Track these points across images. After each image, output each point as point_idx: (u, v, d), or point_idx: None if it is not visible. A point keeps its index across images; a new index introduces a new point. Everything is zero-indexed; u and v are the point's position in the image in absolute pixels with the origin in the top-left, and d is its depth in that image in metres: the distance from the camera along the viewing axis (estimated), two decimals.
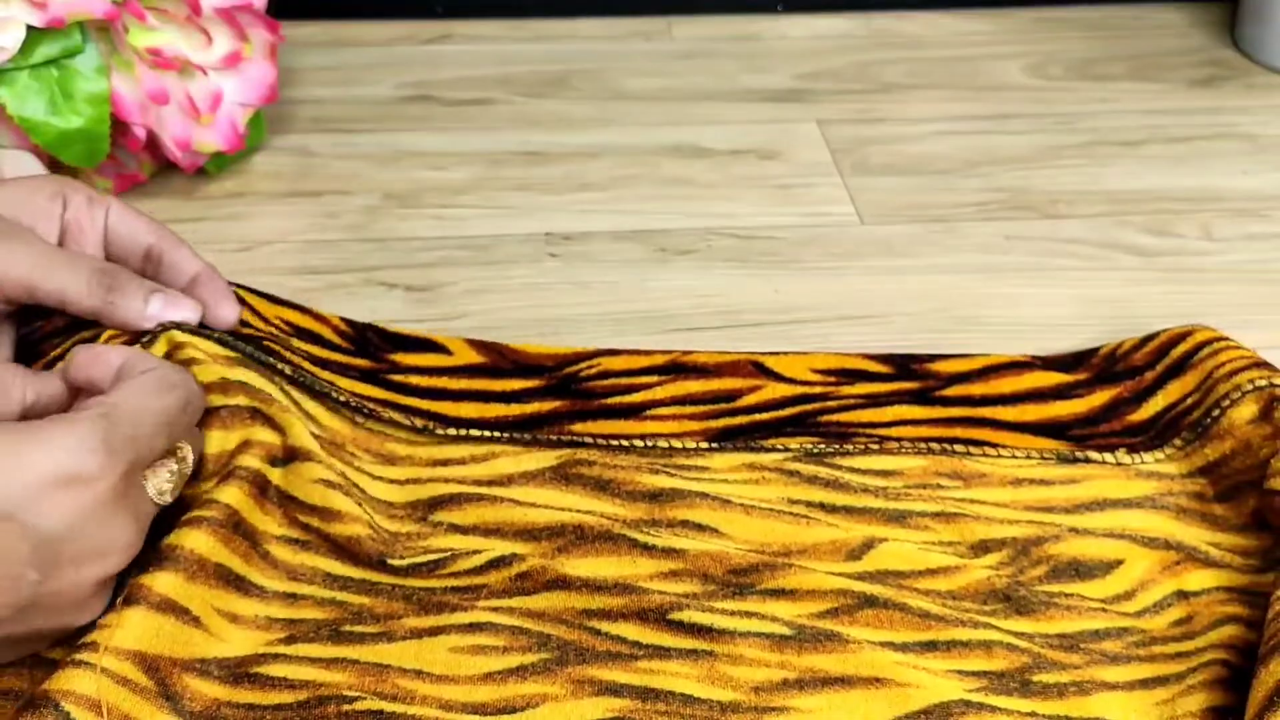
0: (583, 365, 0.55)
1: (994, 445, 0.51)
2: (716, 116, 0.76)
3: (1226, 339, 0.54)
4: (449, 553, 0.46)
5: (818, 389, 0.54)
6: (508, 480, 0.49)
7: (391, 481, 0.49)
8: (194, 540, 0.43)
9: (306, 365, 0.51)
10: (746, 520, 0.47)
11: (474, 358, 0.55)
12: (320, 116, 0.75)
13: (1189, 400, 0.52)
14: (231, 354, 0.48)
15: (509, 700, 0.41)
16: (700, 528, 0.47)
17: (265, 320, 0.53)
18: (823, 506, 0.48)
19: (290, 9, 0.71)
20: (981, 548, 0.47)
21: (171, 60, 0.63)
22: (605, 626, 0.43)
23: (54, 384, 0.45)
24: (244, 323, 0.51)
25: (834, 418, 0.53)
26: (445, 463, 0.50)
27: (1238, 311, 0.62)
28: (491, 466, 0.49)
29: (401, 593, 0.45)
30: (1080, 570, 0.47)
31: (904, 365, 0.56)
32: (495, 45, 0.83)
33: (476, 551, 0.46)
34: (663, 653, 0.42)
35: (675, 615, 0.43)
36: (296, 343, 0.53)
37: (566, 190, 0.69)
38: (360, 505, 0.46)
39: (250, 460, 0.45)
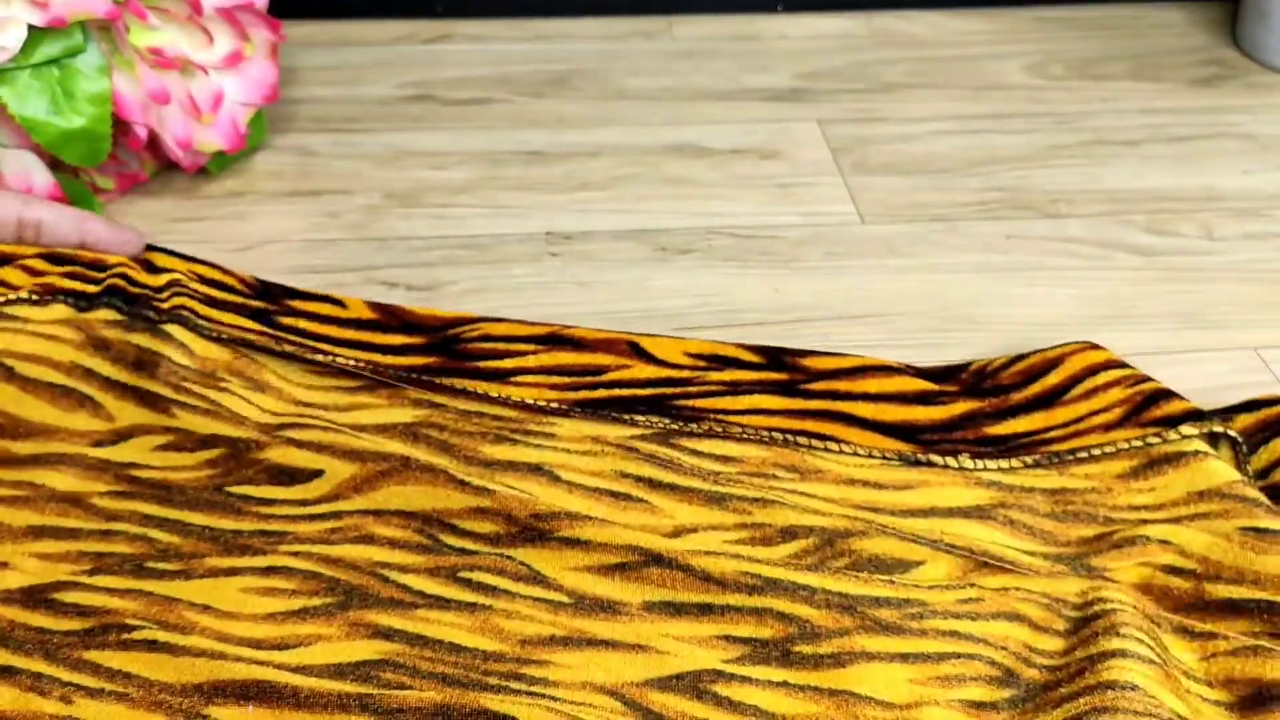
0: (465, 328, 0.57)
1: (838, 440, 0.52)
2: (716, 116, 0.76)
3: (1105, 367, 0.54)
4: (283, 477, 0.49)
5: (684, 373, 0.55)
6: (360, 428, 0.51)
7: (254, 405, 0.52)
8: (13, 517, 0.47)
9: (194, 305, 0.55)
10: (567, 496, 0.49)
11: (365, 314, 0.58)
12: (321, 116, 0.75)
13: (1053, 433, 0.52)
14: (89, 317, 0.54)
15: (284, 638, 0.43)
16: (519, 489, 0.49)
17: (171, 272, 0.57)
18: (650, 483, 0.49)
19: (291, 8, 0.71)
20: (789, 533, 0.48)
21: (173, 60, 0.63)
22: (395, 576, 0.46)
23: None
24: (150, 266, 0.57)
25: (690, 403, 0.54)
26: (309, 405, 0.53)
27: (1238, 311, 0.62)
28: (351, 415, 0.52)
29: (210, 534, 0.47)
30: (879, 565, 0.47)
31: (776, 357, 0.56)
32: (496, 45, 0.83)
33: (311, 474, 0.49)
34: (442, 603, 0.45)
35: (465, 574, 0.46)
36: (197, 285, 0.57)
37: (566, 190, 0.69)
38: (193, 451, 0.50)
39: (71, 448, 0.50)
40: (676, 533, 0.48)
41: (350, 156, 0.71)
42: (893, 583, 0.46)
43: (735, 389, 0.54)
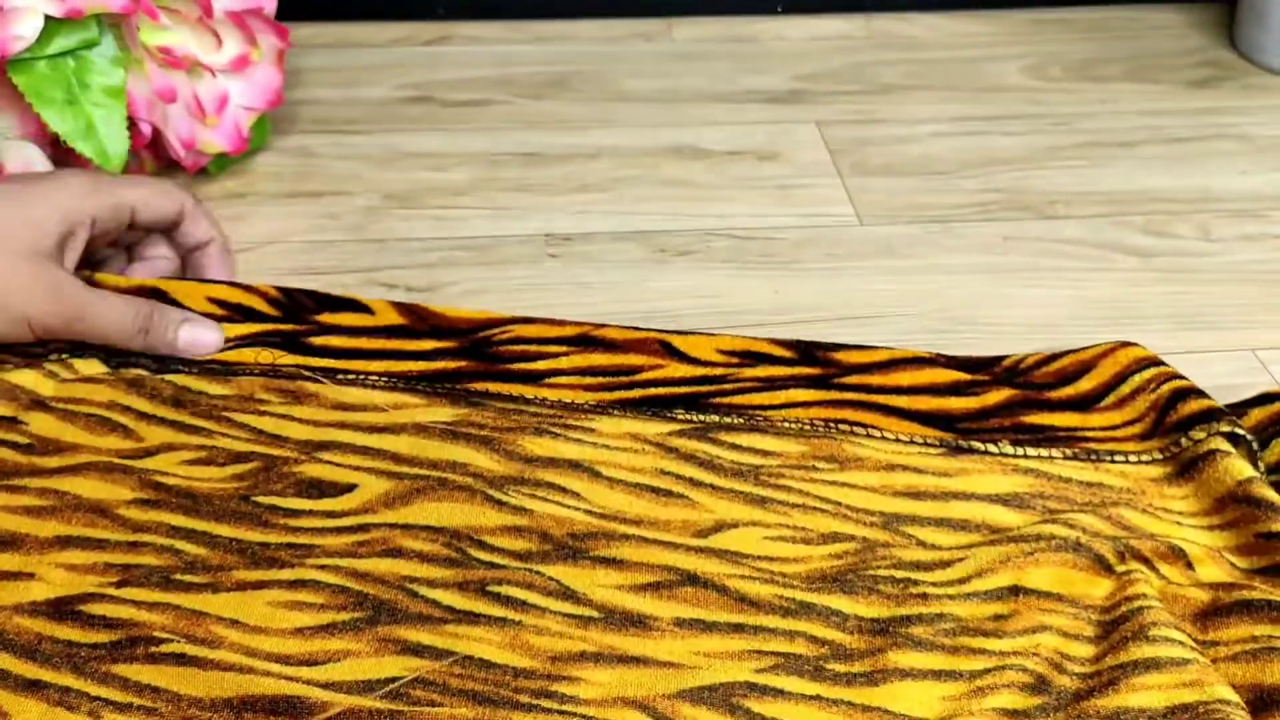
0: (496, 330, 0.57)
1: (877, 428, 0.52)
2: (715, 118, 0.77)
3: (1135, 369, 0.54)
4: (312, 491, 0.49)
5: (719, 370, 0.55)
6: (399, 429, 0.51)
7: (294, 420, 0.52)
8: (40, 528, 0.47)
9: (224, 356, 0.55)
10: (609, 492, 0.49)
11: (394, 318, 0.58)
12: (321, 117, 0.75)
13: (1089, 433, 0.52)
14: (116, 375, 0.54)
15: (313, 654, 0.43)
16: (563, 490, 0.49)
17: (189, 309, 0.57)
18: (691, 481, 0.50)
19: (292, 10, 0.71)
20: (831, 538, 0.48)
21: (181, 60, 0.63)
22: (424, 591, 0.45)
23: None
24: (168, 300, 0.57)
25: (727, 400, 0.54)
26: (350, 409, 0.53)
27: (1235, 311, 0.62)
28: (390, 416, 0.52)
29: (237, 546, 0.47)
30: (921, 566, 0.47)
31: (807, 351, 0.56)
32: (495, 46, 0.83)
33: (343, 489, 0.49)
34: (472, 618, 0.45)
35: (494, 588, 0.45)
36: (225, 328, 0.56)
37: (566, 191, 0.70)
38: (224, 465, 0.50)
39: (98, 457, 0.50)
40: (717, 527, 0.48)
41: (350, 158, 0.72)
42: (925, 598, 0.46)
43: (770, 384, 0.55)
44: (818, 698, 0.43)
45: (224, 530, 0.47)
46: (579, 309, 0.61)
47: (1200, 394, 0.53)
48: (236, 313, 0.57)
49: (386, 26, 0.84)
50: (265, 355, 0.55)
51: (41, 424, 0.51)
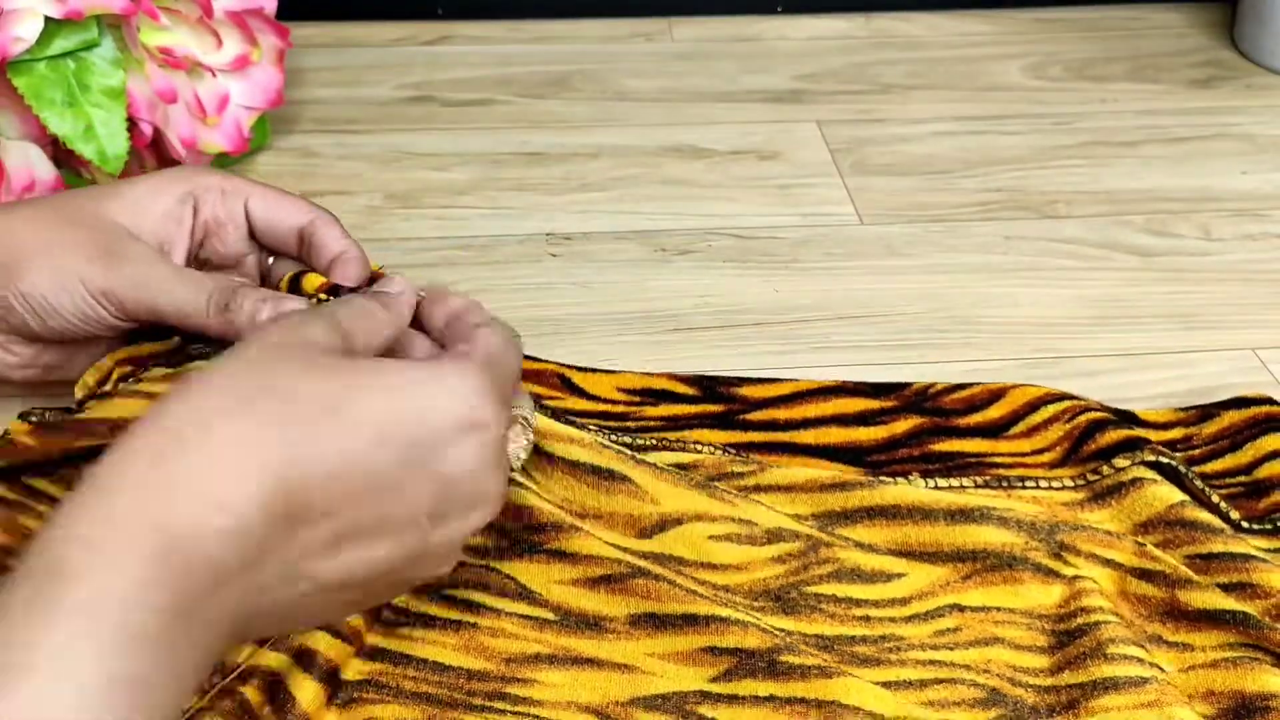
0: None
1: (788, 468, 0.51)
2: (716, 117, 0.77)
3: (1045, 401, 0.53)
4: None
5: (619, 408, 0.54)
6: None
7: None
8: None
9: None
10: (555, 476, 0.48)
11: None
12: (322, 117, 0.75)
13: (999, 458, 0.52)
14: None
15: (276, 641, 0.42)
16: (515, 483, 0.48)
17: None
18: (631, 480, 0.48)
19: (293, 10, 0.71)
20: (775, 535, 0.48)
21: (182, 60, 0.63)
22: None
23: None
24: None
25: (629, 438, 0.52)
26: None
27: (1235, 311, 0.62)
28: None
29: None
30: (860, 575, 0.47)
31: (710, 388, 0.55)
32: (496, 46, 0.83)
33: None
34: (427, 621, 0.45)
35: (450, 591, 0.46)
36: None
37: (567, 190, 0.70)
38: None
39: None
40: (662, 524, 0.48)
41: (351, 157, 0.72)
42: (868, 620, 0.46)
43: (674, 424, 0.54)
44: (771, 698, 0.43)
45: None
46: (579, 308, 0.61)
47: (1121, 424, 0.52)
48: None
49: (387, 26, 0.84)
50: None
51: (112, 409, 0.49)
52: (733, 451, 0.51)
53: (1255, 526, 0.49)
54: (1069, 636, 0.45)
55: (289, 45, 0.67)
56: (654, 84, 0.80)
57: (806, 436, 0.53)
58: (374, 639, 0.44)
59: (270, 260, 0.53)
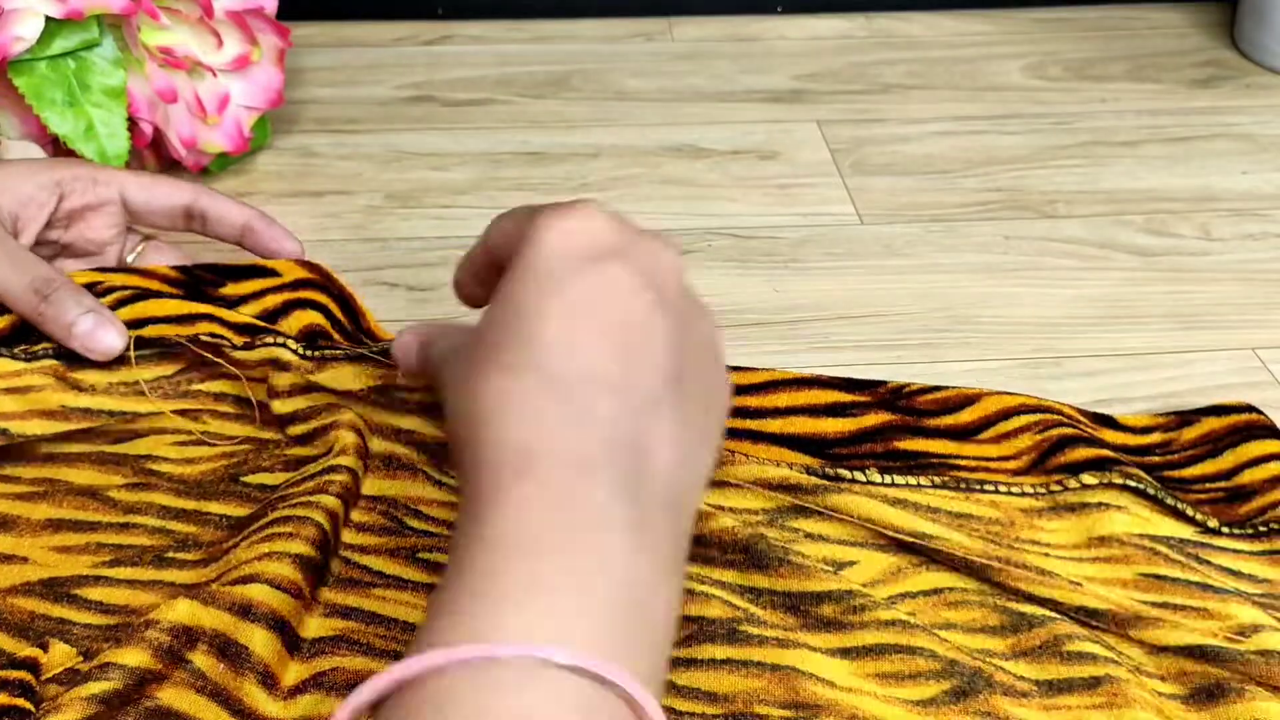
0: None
1: (745, 455, 0.50)
2: (716, 117, 0.77)
3: (1019, 411, 0.53)
4: (295, 472, 0.49)
5: None
6: (360, 399, 0.52)
7: (278, 394, 0.52)
8: (32, 511, 0.48)
9: (124, 312, 0.53)
10: None
11: (301, 274, 0.56)
12: (322, 117, 0.75)
13: (961, 462, 0.51)
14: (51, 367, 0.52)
15: (262, 572, 0.43)
16: None
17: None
18: None
19: (293, 9, 0.71)
20: (729, 511, 0.48)
21: (182, 60, 0.63)
22: (355, 557, 0.47)
23: None
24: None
25: None
26: (275, 364, 0.52)
27: (1235, 311, 0.62)
28: (322, 379, 0.51)
29: (228, 522, 0.48)
30: (819, 562, 0.47)
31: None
32: (496, 46, 0.83)
33: (318, 471, 0.49)
34: (400, 583, 0.46)
35: (424, 555, 0.47)
36: (118, 278, 0.54)
37: (566, 190, 0.70)
38: (216, 444, 0.51)
39: (90, 446, 0.50)
40: None
41: (351, 157, 0.72)
42: (836, 574, 0.46)
43: None
44: (728, 661, 0.43)
45: (214, 508, 0.48)
46: None
47: (1093, 443, 0.51)
48: (137, 296, 0.54)
49: (387, 26, 0.84)
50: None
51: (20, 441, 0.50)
52: None
53: (1236, 531, 0.49)
54: (1025, 621, 0.45)
55: (289, 45, 0.67)
56: (654, 84, 0.80)
57: (772, 425, 0.52)
58: (346, 598, 0.45)
59: (137, 249, 0.57)
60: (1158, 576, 0.47)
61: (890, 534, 0.48)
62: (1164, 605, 0.46)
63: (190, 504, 0.48)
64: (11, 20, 0.58)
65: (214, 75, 0.65)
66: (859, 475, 0.50)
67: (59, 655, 0.42)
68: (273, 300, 0.55)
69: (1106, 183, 0.71)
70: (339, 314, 0.56)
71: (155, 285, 0.55)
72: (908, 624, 0.45)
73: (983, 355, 0.59)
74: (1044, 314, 0.61)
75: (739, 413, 0.53)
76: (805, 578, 0.46)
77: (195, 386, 0.53)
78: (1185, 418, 0.54)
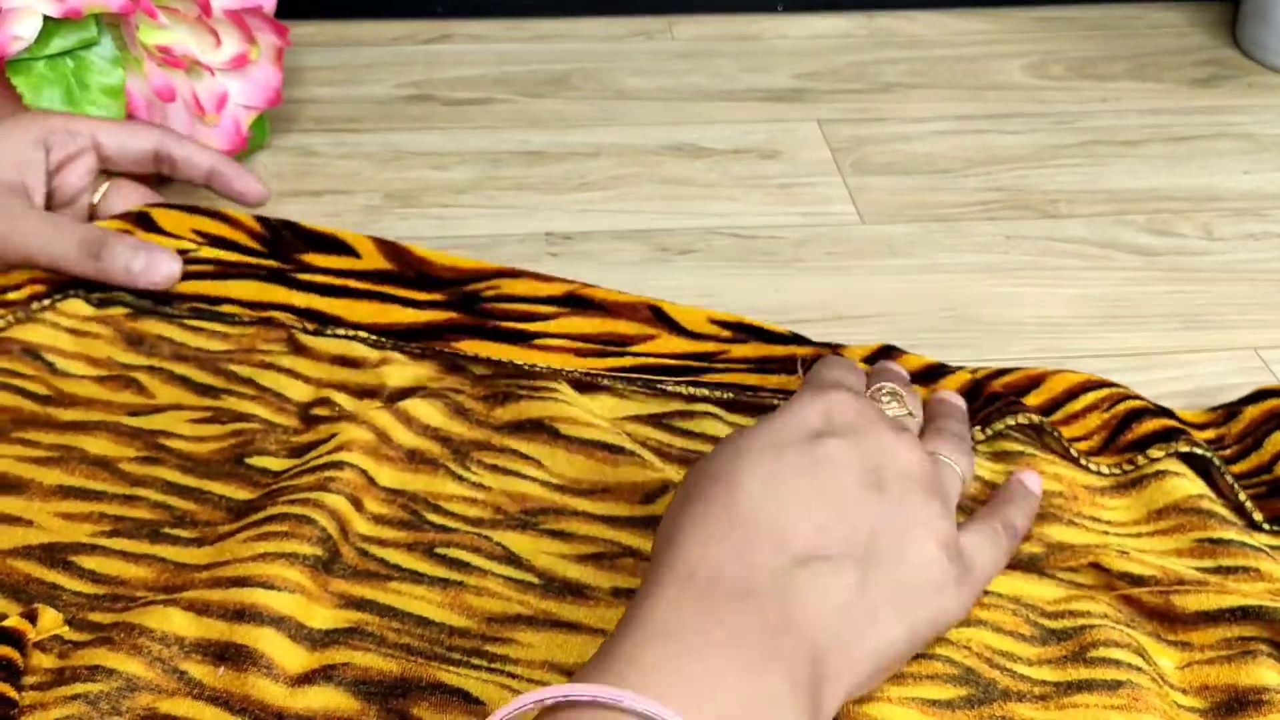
0: (483, 285, 0.58)
1: None
2: (717, 116, 0.76)
3: (1085, 389, 0.53)
4: (298, 459, 0.50)
5: (709, 345, 0.56)
6: (383, 391, 0.53)
7: (296, 376, 0.54)
8: (44, 475, 0.49)
9: (209, 288, 0.56)
10: (568, 458, 0.50)
11: (381, 263, 0.59)
12: (321, 116, 0.75)
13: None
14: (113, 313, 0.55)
15: (270, 578, 0.44)
16: (525, 458, 0.50)
17: (175, 236, 0.58)
18: (638, 455, 0.50)
19: (291, 8, 0.71)
20: None
21: (180, 59, 0.63)
22: (374, 550, 0.47)
23: None
24: (153, 227, 0.58)
25: (718, 378, 0.54)
26: (343, 360, 0.54)
27: (1237, 311, 0.62)
28: (379, 374, 0.54)
29: (226, 503, 0.48)
30: None
31: (798, 335, 0.56)
32: (495, 45, 0.83)
33: (319, 464, 0.49)
34: (415, 577, 0.46)
35: (441, 550, 0.47)
36: (206, 251, 0.58)
37: (566, 190, 0.69)
38: (227, 423, 0.51)
39: (110, 416, 0.51)
40: (665, 487, 0.49)
41: (351, 156, 0.72)
42: None
43: (762, 367, 0.55)
44: None
45: (215, 487, 0.49)
46: None
47: (1158, 413, 0.52)
48: (218, 244, 0.58)
49: (386, 25, 0.84)
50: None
51: (54, 381, 0.53)
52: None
53: (1276, 527, 0.49)
54: (1054, 636, 0.44)
55: (288, 44, 0.67)
56: (654, 83, 0.79)
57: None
58: (361, 590, 0.45)
59: (102, 189, 0.59)
60: (1212, 540, 0.47)
61: None
62: (1216, 569, 0.46)
63: (193, 481, 0.49)
64: (9, 19, 0.58)
65: (212, 74, 0.65)
66: (976, 432, 0.51)
67: (48, 621, 0.43)
68: (353, 284, 0.57)
69: (1108, 182, 0.71)
70: (412, 312, 0.56)
71: (241, 238, 0.59)
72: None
73: (984, 355, 0.58)
74: (1045, 314, 0.61)
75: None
76: None
77: (231, 367, 0.54)
78: (1231, 410, 0.54)
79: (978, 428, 0.51)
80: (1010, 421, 0.51)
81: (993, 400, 0.52)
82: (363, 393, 0.53)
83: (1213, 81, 0.81)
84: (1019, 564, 0.47)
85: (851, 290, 0.63)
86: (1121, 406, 0.52)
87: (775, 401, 0.53)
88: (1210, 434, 0.53)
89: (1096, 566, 0.47)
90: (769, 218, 0.68)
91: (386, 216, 0.67)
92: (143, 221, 0.58)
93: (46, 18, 0.59)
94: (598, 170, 0.71)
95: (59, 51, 0.60)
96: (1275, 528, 0.49)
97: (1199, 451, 0.50)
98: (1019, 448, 0.51)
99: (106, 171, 0.60)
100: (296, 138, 0.73)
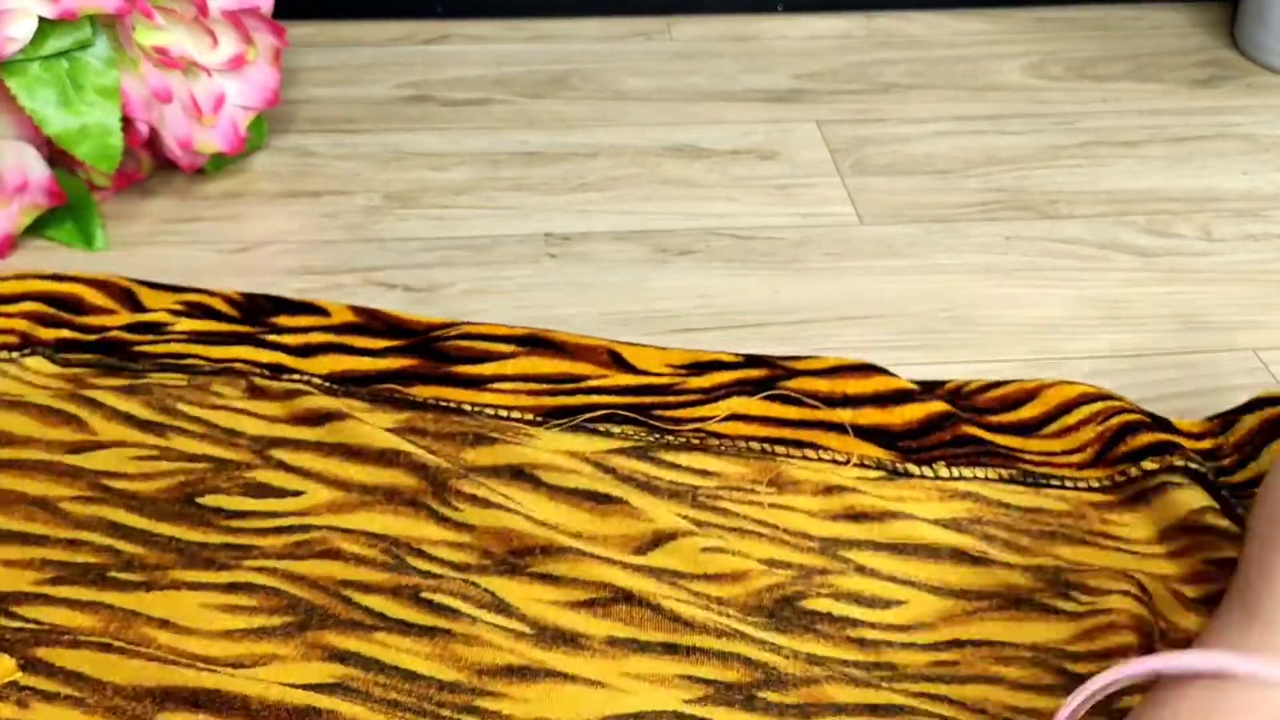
0: (449, 329, 0.57)
1: (815, 447, 0.51)
2: (716, 116, 0.76)
3: (1080, 402, 0.53)
4: (259, 492, 0.49)
5: (663, 379, 0.55)
6: (342, 417, 0.51)
7: (249, 414, 0.52)
8: None
9: (180, 348, 0.55)
10: (549, 504, 0.49)
11: (349, 318, 0.58)
12: (320, 117, 0.75)
13: (1028, 456, 0.51)
14: (65, 372, 0.54)
15: (240, 657, 0.43)
16: (504, 499, 0.48)
17: (156, 311, 0.58)
18: (627, 503, 0.49)
19: (289, 9, 0.71)
20: (769, 564, 0.47)
21: (177, 60, 0.63)
22: (357, 597, 0.45)
23: None
24: (138, 306, 0.58)
25: (669, 413, 0.53)
26: (296, 394, 0.53)
27: (1236, 311, 0.62)
28: (334, 402, 0.52)
29: (176, 545, 0.47)
30: (858, 600, 0.46)
31: (755, 359, 0.56)
32: (494, 45, 0.83)
33: (289, 494, 0.48)
34: (403, 627, 0.44)
35: (427, 595, 0.45)
36: (183, 323, 0.57)
37: (566, 190, 0.69)
38: (174, 461, 0.50)
39: (48, 455, 0.50)
40: (657, 539, 0.47)
41: (349, 157, 0.71)
42: (863, 643, 0.45)
43: (711, 396, 0.54)
44: None
45: (164, 529, 0.47)
46: (577, 309, 0.60)
47: (1154, 426, 0.52)
48: (197, 310, 0.58)
49: (385, 25, 0.84)
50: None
51: None
52: (758, 450, 0.51)
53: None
54: (1077, 680, 0.43)
55: (285, 44, 0.66)
56: (653, 83, 0.79)
57: (844, 415, 0.53)
58: (346, 642, 0.43)
59: None
60: (1217, 562, 0.47)
61: (950, 563, 0.47)
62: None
63: (141, 522, 0.47)
64: (4, 21, 0.58)
65: (209, 75, 0.65)
66: (927, 471, 0.50)
67: (2, 670, 0.41)
68: (317, 338, 0.57)
69: (1107, 183, 0.71)
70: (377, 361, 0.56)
71: (218, 304, 0.58)
72: (940, 696, 0.43)
73: (983, 356, 0.58)
74: (1045, 314, 0.61)
75: (811, 396, 0.53)
76: (832, 644, 0.45)
77: (180, 405, 0.52)
78: (1228, 419, 0.54)
79: (942, 463, 0.51)
80: (980, 475, 0.50)
81: (962, 442, 0.52)
82: (321, 428, 0.51)
83: (1212, 82, 0.81)
84: (1031, 602, 0.46)
85: (851, 290, 0.62)
86: (1116, 420, 0.52)
87: (712, 433, 0.52)
88: (1208, 444, 0.53)
89: (1126, 593, 0.46)
90: (768, 218, 0.68)
91: (385, 217, 0.67)
92: (129, 299, 0.58)
93: (41, 19, 0.58)
94: (597, 171, 0.71)
95: (54, 53, 0.60)
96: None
97: (1194, 466, 0.49)
98: (981, 490, 0.50)
99: None
100: (294, 138, 0.73)
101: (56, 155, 0.62)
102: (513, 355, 0.56)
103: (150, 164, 0.67)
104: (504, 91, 0.78)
